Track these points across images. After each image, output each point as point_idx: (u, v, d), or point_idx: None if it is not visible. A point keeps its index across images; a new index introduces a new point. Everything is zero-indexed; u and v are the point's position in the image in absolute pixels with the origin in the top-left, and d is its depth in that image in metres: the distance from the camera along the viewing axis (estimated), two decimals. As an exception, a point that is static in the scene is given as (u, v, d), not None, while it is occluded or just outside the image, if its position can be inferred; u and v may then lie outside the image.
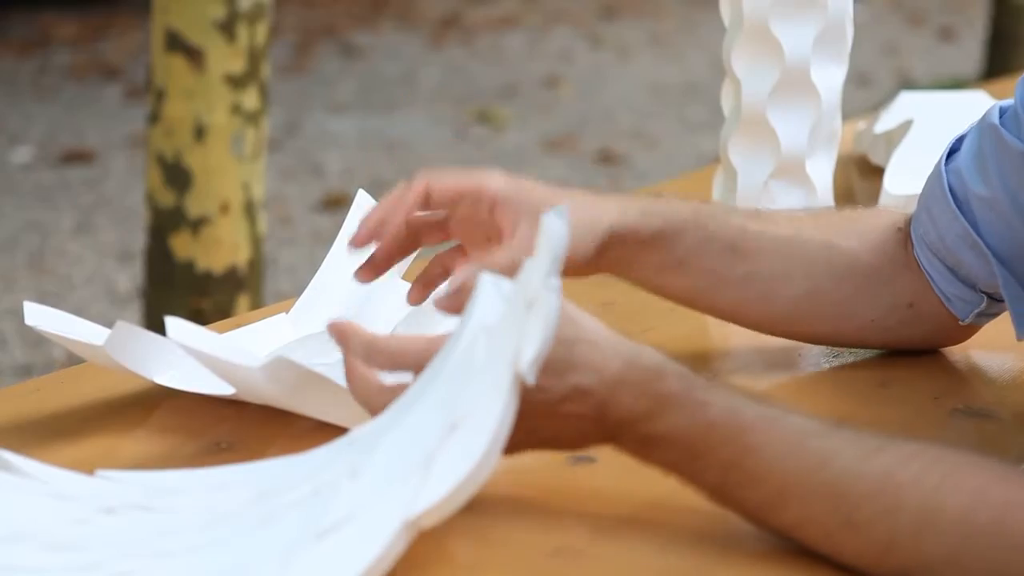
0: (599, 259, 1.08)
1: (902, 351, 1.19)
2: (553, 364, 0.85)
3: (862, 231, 1.15)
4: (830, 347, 1.19)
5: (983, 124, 1.11)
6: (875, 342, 1.18)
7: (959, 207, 1.10)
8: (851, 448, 0.85)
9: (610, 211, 1.08)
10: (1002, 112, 1.10)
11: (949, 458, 0.85)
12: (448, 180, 1.05)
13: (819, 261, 1.13)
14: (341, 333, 0.91)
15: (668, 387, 0.87)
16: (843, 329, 1.16)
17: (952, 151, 1.13)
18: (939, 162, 1.13)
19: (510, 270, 0.92)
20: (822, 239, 1.14)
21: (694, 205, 1.12)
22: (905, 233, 1.15)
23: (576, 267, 1.07)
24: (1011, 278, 1.09)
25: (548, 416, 0.87)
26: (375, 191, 1.15)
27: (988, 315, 1.15)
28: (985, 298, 1.13)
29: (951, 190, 1.11)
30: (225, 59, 2.82)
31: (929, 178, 1.14)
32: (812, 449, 0.85)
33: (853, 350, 1.19)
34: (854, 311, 1.15)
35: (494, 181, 1.05)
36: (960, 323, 1.15)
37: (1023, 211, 1.08)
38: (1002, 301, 1.12)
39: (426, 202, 1.05)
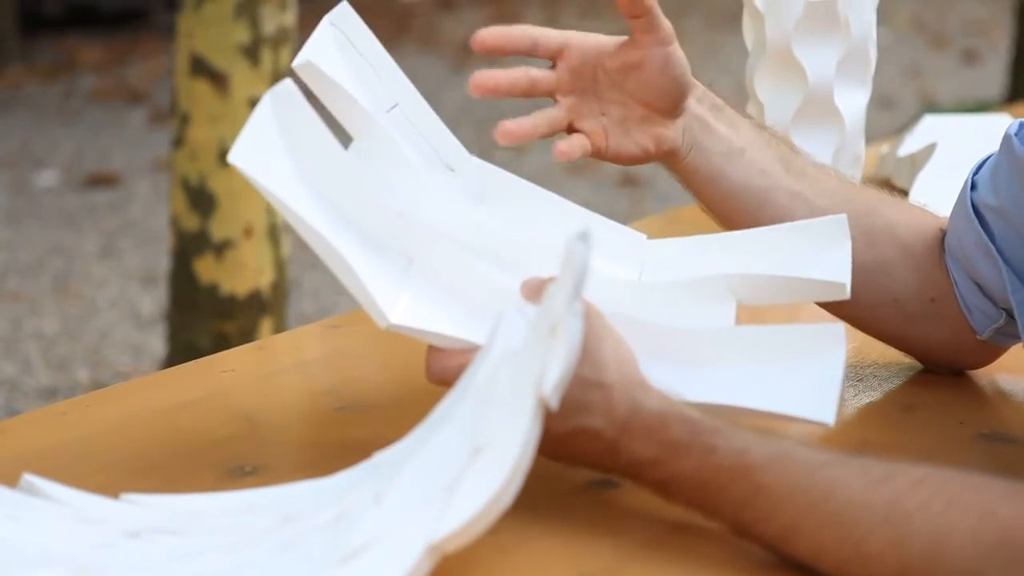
0: (685, 116, 1.12)
1: (927, 373, 1.19)
2: (566, 403, 0.87)
3: (910, 212, 1.17)
4: (854, 369, 1.19)
5: (1003, 137, 1.12)
6: (892, 331, 1.18)
7: (977, 217, 1.12)
8: (858, 478, 0.85)
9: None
10: (1021, 126, 1.11)
11: (956, 481, 0.85)
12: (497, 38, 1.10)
13: (860, 215, 1.14)
14: None
15: (672, 435, 0.88)
16: (865, 300, 1.15)
17: (980, 167, 1.15)
18: (968, 176, 1.15)
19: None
20: (866, 200, 1.16)
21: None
22: (942, 237, 1.16)
23: (664, 108, 1.11)
24: (1021, 285, 1.10)
25: (561, 446, 0.90)
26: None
27: (1007, 335, 1.15)
28: (1004, 315, 1.13)
29: (972, 201, 1.12)
30: (249, 83, 2.83)
31: (959, 192, 1.15)
32: (819, 481, 0.85)
33: (877, 373, 1.19)
34: (880, 282, 1.15)
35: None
36: (978, 337, 1.15)
37: None
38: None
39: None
